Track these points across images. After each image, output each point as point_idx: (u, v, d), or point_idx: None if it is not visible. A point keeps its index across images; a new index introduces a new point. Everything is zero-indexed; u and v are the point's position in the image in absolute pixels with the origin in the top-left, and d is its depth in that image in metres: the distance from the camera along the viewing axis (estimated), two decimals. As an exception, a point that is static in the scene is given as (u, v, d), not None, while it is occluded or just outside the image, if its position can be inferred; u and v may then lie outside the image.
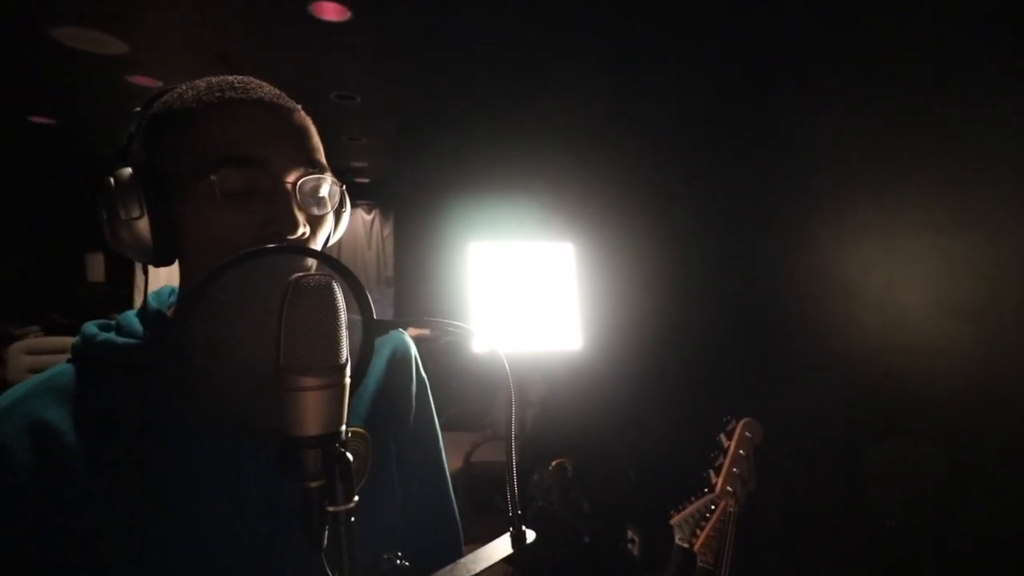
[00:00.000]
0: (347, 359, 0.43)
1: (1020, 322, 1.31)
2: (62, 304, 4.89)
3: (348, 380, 0.43)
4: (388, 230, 5.57)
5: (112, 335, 0.59)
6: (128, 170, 0.54)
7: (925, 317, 1.52)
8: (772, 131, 2.14)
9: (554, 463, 2.18)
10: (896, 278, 1.61)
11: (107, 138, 3.95)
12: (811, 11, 1.68)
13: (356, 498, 0.41)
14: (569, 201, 3.24)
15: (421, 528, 0.71)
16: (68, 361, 0.60)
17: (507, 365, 0.56)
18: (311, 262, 0.57)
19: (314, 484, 0.41)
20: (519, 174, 3.70)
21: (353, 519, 0.41)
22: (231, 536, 0.55)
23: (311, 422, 0.41)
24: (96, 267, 4.81)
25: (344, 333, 0.43)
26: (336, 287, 0.43)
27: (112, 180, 0.54)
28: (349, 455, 0.42)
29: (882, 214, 1.65)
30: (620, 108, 2.77)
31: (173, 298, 0.67)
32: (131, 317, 0.62)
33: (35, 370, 3.88)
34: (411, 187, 4.82)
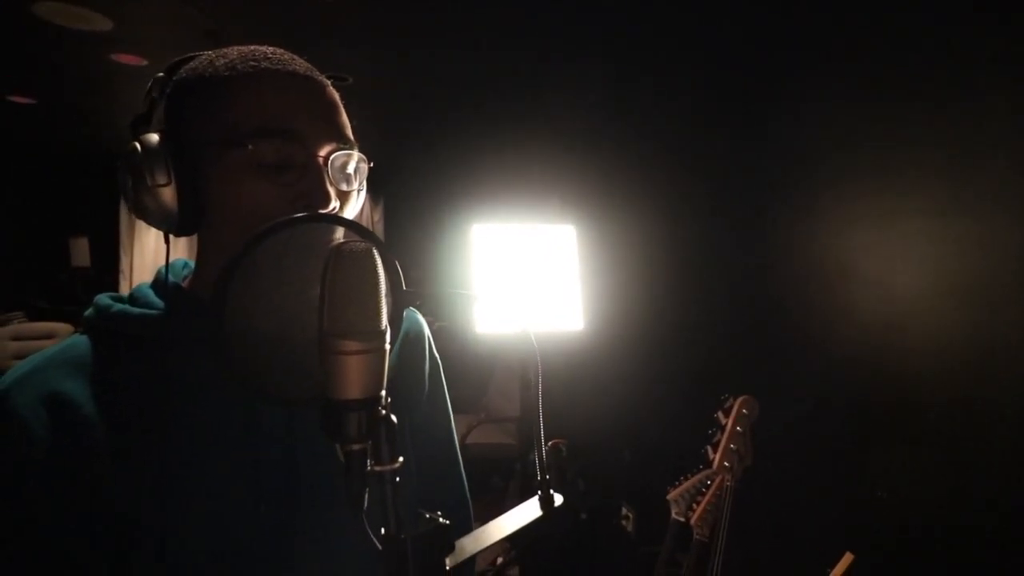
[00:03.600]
0: (387, 326, 0.44)
1: (1011, 304, 1.35)
2: (45, 289, 4.79)
3: (388, 346, 0.44)
4: (378, 215, 5.53)
5: (126, 306, 0.59)
6: (155, 136, 0.54)
7: (920, 298, 1.56)
8: (774, 114, 2.16)
9: (550, 444, 2.21)
10: (893, 260, 1.64)
11: (90, 119, 3.85)
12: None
13: (400, 458, 0.42)
14: (571, 184, 3.24)
15: (431, 506, 0.72)
16: (80, 333, 0.59)
17: (535, 343, 0.57)
18: (341, 233, 0.58)
19: (356, 447, 0.42)
20: (519, 158, 3.68)
21: (398, 479, 0.42)
22: (250, 507, 0.56)
23: (353, 385, 0.42)
24: (80, 252, 4.72)
25: (384, 299, 0.43)
26: (376, 254, 0.43)
27: (139, 145, 0.54)
28: (393, 417, 0.42)
29: (880, 197, 1.68)
30: (621, 91, 2.76)
31: (187, 271, 0.66)
32: (145, 289, 0.62)
33: (20, 356, 3.80)
34: (404, 171, 4.78)
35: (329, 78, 0.60)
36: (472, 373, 3.50)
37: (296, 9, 2.19)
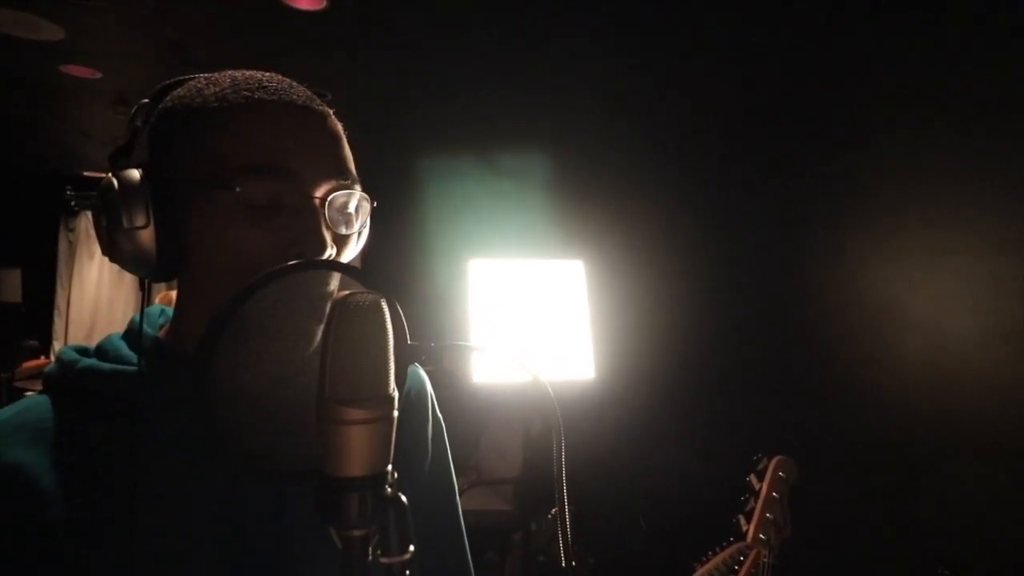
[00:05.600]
0: (395, 389, 0.43)
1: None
2: (-32, 329, 4.72)
3: (396, 414, 0.43)
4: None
5: (94, 360, 0.58)
6: (135, 172, 0.54)
7: (975, 342, 1.57)
8: (809, 138, 2.20)
9: (553, 511, 2.17)
10: (944, 300, 1.66)
11: (34, 136, 3.87)
12: (860, 22, 1.75)
13: (412, 548, 0.41)
14: (579, 213, 3.26)
15: None
16: (40, 392, 0.59)
17: (552, 394, 0.57)
18: (338, 280, 0.58)
19: (357, 533, 0.41)
20: (522, 183, 3.72)
21: (408, 573, 0.41)
22: None
23: (357, 460, 0.41)
24: (11, 285, 4.67)
25: (392, 360, 0.43)
26: (384, 307, 0.43)
27: (116, 182, 0.54)
28: (404, 498, 0.42)
29: (928, 231, 1.71)
30: (637, 107, 2.79)
31: (163, 319, 0.66)
32: (116, 340, 0.61)
33: (-66, 407, 3.69)
34: (386, 196, 4.82)
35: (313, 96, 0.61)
36: (463, 426, 3.44)
37: (272, 19, 2.24)
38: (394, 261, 4.87)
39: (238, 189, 0.53)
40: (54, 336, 4.96)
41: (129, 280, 4.89)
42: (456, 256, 1.79)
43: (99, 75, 2.78)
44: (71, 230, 5.14)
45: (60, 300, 5.06)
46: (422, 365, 0.79)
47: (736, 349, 2.34)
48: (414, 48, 2.46)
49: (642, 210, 2.91)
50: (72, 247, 5.17)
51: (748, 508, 1.36)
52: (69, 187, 4.82)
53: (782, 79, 2.21)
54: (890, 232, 1.84)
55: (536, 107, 2.94)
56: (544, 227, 3.31)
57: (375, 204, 0.62)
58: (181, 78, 0.61)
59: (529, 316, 1.77)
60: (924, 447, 1.69)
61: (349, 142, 0.63)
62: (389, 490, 0.42)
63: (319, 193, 0.56)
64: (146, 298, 0.58)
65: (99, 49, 2.55)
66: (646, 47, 2.26)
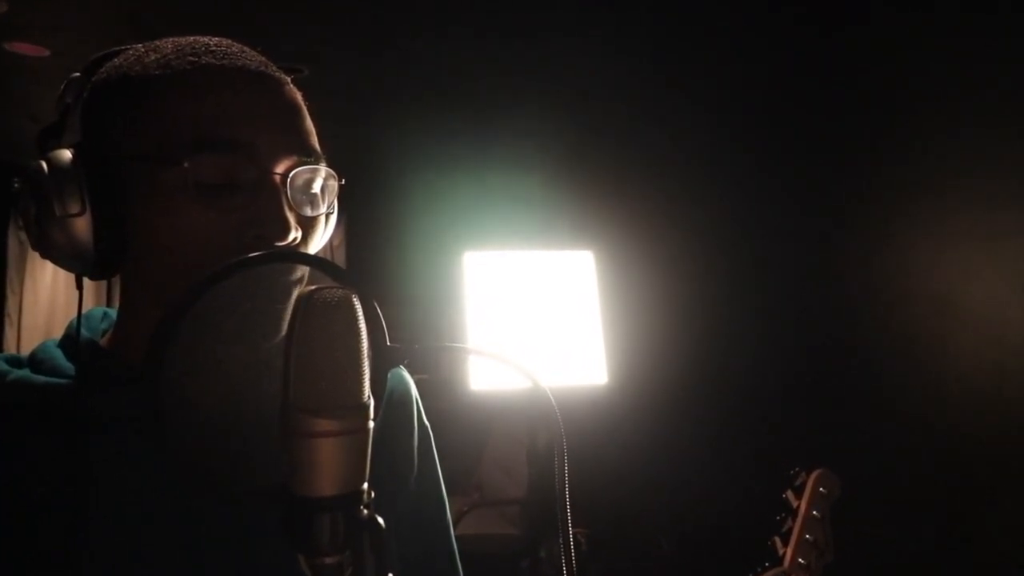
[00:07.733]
0: (370, 397, 0.43)
1: None
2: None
3: (372, 424, 0.43)
4: (339, 238, 5.55)
5: (26, 372, 0.58)
6: (67, 153, 0.54)
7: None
8: (847, 110, 2.19)
9: (565, 535, 2.17)
10: (1005, 289, 1.65)
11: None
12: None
13: (390, 576, 0.41)
14: (587, 198, 3.26)
15: None
16: None
17: (554, 402, 0.56)
18: (305, 271, 0.58)
19: (329, 560, 0.41)
20: (522, 164, 3.72)
21: (387, 605, 0.40)
22: None
23: (327, 478, 0.41)
24: (-45, 290, 4.71)
25: (367, 363, 0.43)
26: (357, 304, 0.43)
27: (45, 165, 0.53)
28: (381, 520, 0.42)
29: (987, 210, 1.69)
30: (653, 72, 2.77)
31: (107, 323, 0.66)
32: (52, 349, 0.61)
33: None
34: (374, 182, 4.83)
35: (280, 68, 0.61)
36: (463, 440, 3.46)
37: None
38: (381, 254, 4.88)
39: (185, 165, 0.52)
40: (5, 347, 5.00)
41: (90, 283, 4.91)
42: (450, 248, 1.79)
43: (47, 53, 2.79)
44: (23, 228, 5.17)
45: (11, 306, 5.09)
46: (408, 369, 0.80)
47: (768, 350, 2.35)
48: (400, 20, 2.46)
49: (659, 194, 2.90)
50: (24, 247, 5.19)
51: (785, 529, 1.36)
52: (18, 179, 4.85)
53: (817, 50, 2.20)
54: (943, 213, 1.83)
55: (538, 81, 2.94)
56: (548, 214, 3.31)
57: (343, 182, 0.62)
58: (116, 48, 0.61)
59: (533, 314, 1.78)
60: (984, 459, 1.69)
61: (329, 117, 0.63)
62: (364, 511, 0.42)
63: (279, 169, 0.56)
64: (83, 298, 0.57)
65: (47, 24, 2.56)
66: (668, 19, 2.25)
